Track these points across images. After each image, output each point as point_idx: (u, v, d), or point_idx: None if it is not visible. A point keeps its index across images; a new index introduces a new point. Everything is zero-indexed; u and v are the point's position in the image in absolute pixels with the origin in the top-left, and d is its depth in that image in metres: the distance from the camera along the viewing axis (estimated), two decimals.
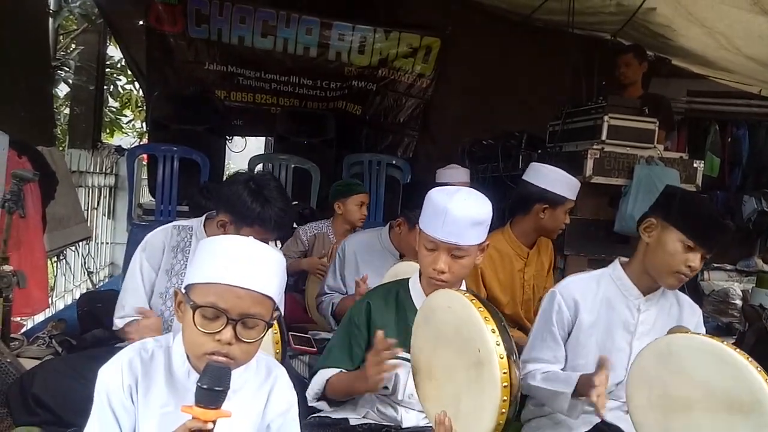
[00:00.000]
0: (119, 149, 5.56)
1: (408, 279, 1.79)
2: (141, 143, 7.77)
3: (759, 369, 1.35)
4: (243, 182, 1.95)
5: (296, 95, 5.37)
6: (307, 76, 5.30)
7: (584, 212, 3.16)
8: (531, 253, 2.72)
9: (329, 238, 3.36)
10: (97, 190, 4.91)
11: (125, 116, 8.51)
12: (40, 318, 3.50)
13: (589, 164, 3.11)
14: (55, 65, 5.42)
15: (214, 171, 4.52)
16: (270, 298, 1.18)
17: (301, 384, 1.66)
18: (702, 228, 1.69)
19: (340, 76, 5.34)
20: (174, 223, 2.14)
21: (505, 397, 1.29)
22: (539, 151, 3.64)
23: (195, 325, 1.14)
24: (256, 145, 7.49)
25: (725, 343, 1.41)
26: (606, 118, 3.17)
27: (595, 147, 3.14)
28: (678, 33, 4.20)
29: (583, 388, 1.64)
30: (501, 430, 1.33)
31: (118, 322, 2.01)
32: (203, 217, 2.12)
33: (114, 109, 8.05)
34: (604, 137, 3.17)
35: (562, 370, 1.82)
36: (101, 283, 4.81)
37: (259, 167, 4.82)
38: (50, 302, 3.72)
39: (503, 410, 1.30)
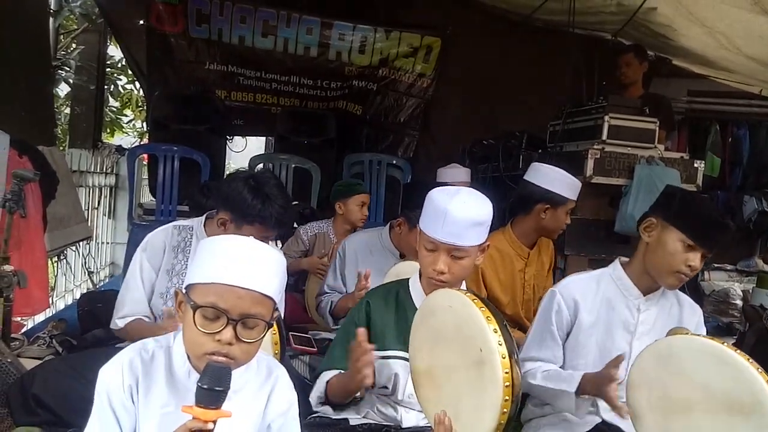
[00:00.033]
0: (120, 149, 5.57)
1: (408, 279, 1.79)
2: (141, 143, 7.77)
3: (759, 370, 1.35)
4: (243, 180, 1.95)
5: (297, 95, 5.37)
6: (307, 75, 5.30)
7: (585, 212, 3.15)
8: (531, 254, 2.72)
9: (330, 237, 3.36)
10: (97, 189, 4.91)
11: (126, 116, 8.51)
12: (40, 318, 3.51)
13: (590, 164, 3.11)
14: (56, 65, 5.43)
15: (215, 171, 4.52)
16: (270, 298, 1.18)
17: (301, 384, 1.66)
18: (702, 227, 1.69)
19: (341, 75, 5.34)
20: (174, 223, 2.14)
21: (507, 397, 1.29)
22: (540, 151, 3.64)
23: (195, 325, 1.14)
24: (256, 144, 7.49)
25: (725, 344, 1.41)
26: (606, 118, 3.17)
27: (595, 147, 3.14)
28: (678, 33, 4.20)
29: (588, 386, 1.64)
30: (503, 430, 1.33)
31: (119, 322, 2.01)
32: (203, 217, 2.12)
33: (114, 109, 8.06)
34: (604, 137, 3.17)
35: (561, 368, 1.82)
36: (102, 283, 4.81)
37: (260, 167, 4.82)
38: (51, 302, 3.72)
39: (505, 410, 1.30)
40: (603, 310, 1.82)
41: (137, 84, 6.92)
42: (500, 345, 1.32)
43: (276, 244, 3.44)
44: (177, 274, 2.04)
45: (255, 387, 1.28)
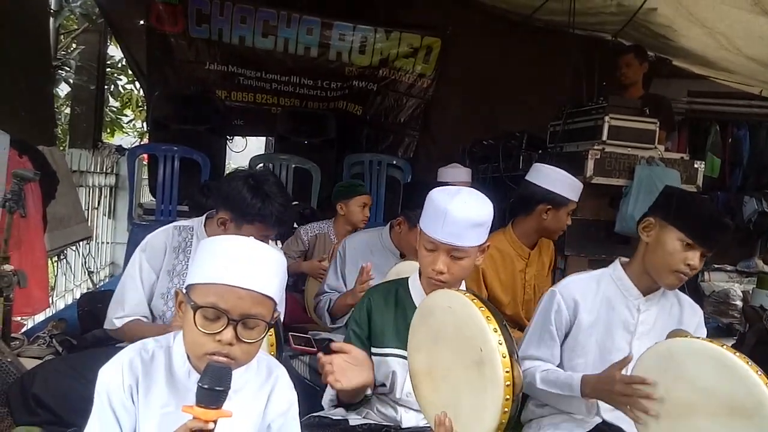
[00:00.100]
0: (120, 149, 5.57)
1: (408, 278, 1.79)
2: (141, 143, 7.77)
3: (759, 373, 1.35)
4: (242, 179, 1.94)
5: (297, 95, 5.37)
6: (307, 76, 5.30)
7: (585, 213, 3.15)
8: (532, 254, 2.72)
9: (330, 238, 3.36)
10: (97, 189, 4.91)
11: (126, 116, 8.51)
12: (40, 317, 3.51)
13: (590, 165, 3.11)
14: (56, 65, 5.43)
15: (215, 171, 4.52)
16: (271, 298, 1.18)
17: (301, 384, 1.66)
18: (700, 226, 1.69)
19: (341, 76, 5.34)
20: (174, 223, 2.14)
21: (508, 396, 1.29)
22: (540, 152, 3.64)
23: (196, 325, 1.14)
24: (256, 145, 7.49)
25: (725, 346, 1.41)
26: (607, 118, 3.16)
27: (595, 147, 3.14)
28: (679, 33, 4.20)
29: (587, 388, 1.64)
30: (504, 429, 1.33)
31: (117, 322, 2.00)
32: (203, 217, 2.12)
33: (115, 109, 8.06)
34: (604, 138, 3.16)
35: (558, 367, 1.83)
36: (101, 283, 4.81)
37: (260, 167, 4.82)
38: (51, 302, 3.72)
39: (506, 409, 1.30)
40: (603, 310, 1.82)
41: (137, 84, 6.92)
42: (500, 344, 1.32)
43: (276, 244, 3.43)
44: (178, 274, 2.03)
45: (255, 387, 1.28)
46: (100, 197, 4.98)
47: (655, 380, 1.49)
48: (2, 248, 2.21)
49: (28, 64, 3.43)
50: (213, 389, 1.05)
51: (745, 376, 1.34)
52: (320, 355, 1.61)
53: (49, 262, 3.62)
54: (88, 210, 4.59)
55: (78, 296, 3.90)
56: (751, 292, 4.51)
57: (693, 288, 3.87)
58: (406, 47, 5.29)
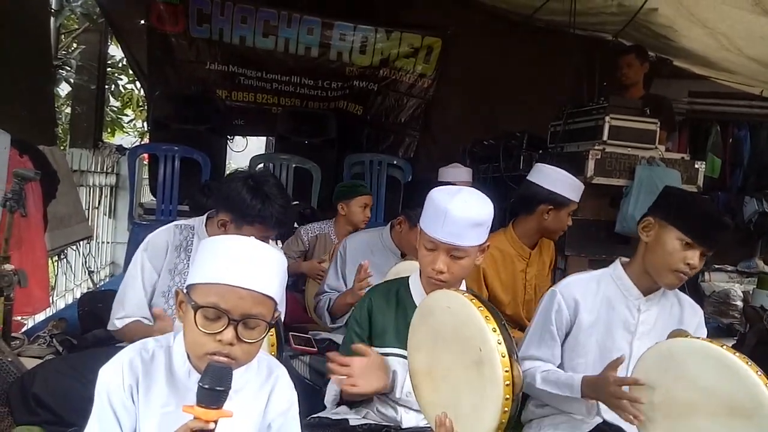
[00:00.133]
0: (120, 148, 5.56)
1: (408, 277, 1.79)
2: (142, 143, 7.78)
3: (759, 373, 1.35)
4: (242, 180, 1.94)
5: (297, 95, 5.37)
6: (308, 76, 5.30)
7: (585, 213, 3.15)
8: (533, 254, 2.71)
9: (331, 239, 3.36)
10: (98, 189, 4.91)
11: (126, 116, 8.51)
12: (40, 317, 3.50)
13: (591, 165, 3.11)
14: (57, 64, 5.43)
15: (215, 171, 4.52)
16: (271, 298, 1.18)
17: (301, 384, 1.66)
18: (699, 225, 1.69)
19: (342, 76, 5.34)
20: (175, 222, 2.14)
21: (508, 396, 1.29)
22: (540, 152, 3.64)
23: (196, 325, 1.14)
24: (257, 144, 7.47)
25: (725, 346, 1.41)
26: (607, 118, 3.16)
27: (596, 147, 3.14)
28: (680, 34, 4.20)
29: (588, 389, 1.64)
30: (504, 429, 1.32)
31: (118, 323, 2.00)
32: (204, 216, 2.12)
33: (115, 109, 8.06)
34: (605, 138, 3.16)
35: (558, 367, 1.82)
36: (102, 283, 4.81)
37: (260, 167, 4.82)
38: (51, 301, 3.72)
39: (506, 409, 1.30)
40: (603, 310, 1.82)
41: (138, 84, 6.92)
42: (499, 344, 1.32)
43: (276, 244, 3.43)
44: (179, 273, 2.04)
45: (255, 387, 1.28)
46: (100, 197, 4.98)
47: (655, 380, 1.49)
48: (3, 248, 2.21)
49: (29, 63, 3.44)
50: (214, 389, 1.05)
51: (745, 376, 1.34)
52: (332, 355, 1.60)
53: (50, 261, 3.62)
54: (88, 209, 4.58)
55: (78, 296, 3.91)
56: (751, 292, 4.52)
57: (693, 288, 3.87)
58: (407, 47, 5.29)
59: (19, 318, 2.79)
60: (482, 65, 5.11)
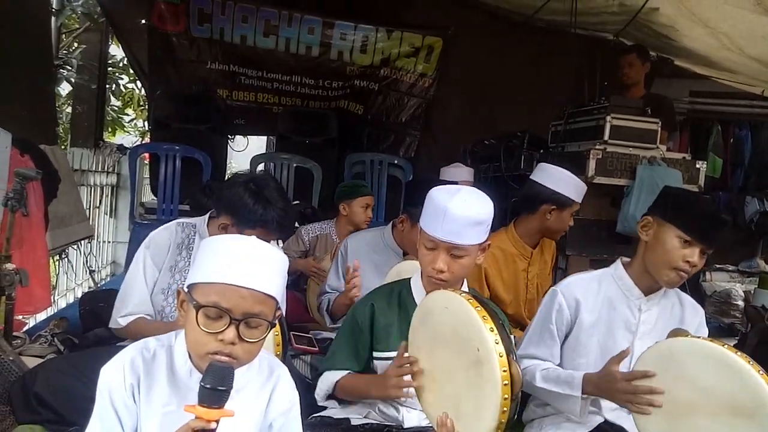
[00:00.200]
0: (121, 148, 5.57)
1: (410, 278, 1.79)
2: (143, 142, 7.78)
3: (761, 372, 1.35)
4: (243, 184, 1.94)
5: (298, 94, 5.37)
6: (309, 75, 5.30)
7: (586, 212, 3.15)
8: (534, 253, 2.71)
9: (332, 239, 3.35)
10: (99, 188, 4.91)
11: (127, 115, 8.52)
12: (42, 316, 3.51)
13: (592, 164, 3.11)
14: (58, 64, 5.43)
15: (216, 170, 4.53)
16: (273, 297, 1.18)
17: (302, 383, 1.66)
18: (698, 222, 1.69)
19: (342, 75, 5.34)
20: (177, 220, 2.14)
21: (506, 395, 1.29)
22: (541, 152, 3.64)
23: (198, 324, 1.14)
24: (257, 144, 7.47)
25: (725, 345, 1.41)
26: (608, 118, 3.16)
27: (597, 147, 3.14)
28: (681, 33, 4.20)
29: (590, 386, 1.64)
30: (503, 429, 1.32)
31: (122, 321, 2.00)
32: (207, 216, 2.12)
33: (116, 108, 8.07)
34: (606, 137, 3.16)
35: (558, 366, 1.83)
36: (103, 282, 4.81)
37: (261, 166, 4.82)
38: (52, 300, 3.73)
39: (505, 408, 1.30)
40: (604, 309, 1.82)
41: (139, 83, 6.93)
42: (497, 344, 1.31)
43: (277, 244, 3.43)
44: (180, 271, 2.04)
45: (257, 386, 1.28)
46: (101, 196, 4.98)
47: (655, 380, 1.49)
48: (4, 247, 2.22)
49: (30, 63, 3.44)
50: (215, 389, 1.05)
51: (746, 376, 1.34)
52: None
53: (51, 260, 3.62)
54: (89, 209, 4.59)
55: (79, 295, 3.91)
56: (752, 292, 4.52)
57: (694, 288, 3.87)
58: (408, 47, 5.29)
59: (20, 317, 2.79)
60: (483, 65, 5.11)
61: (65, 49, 6.18)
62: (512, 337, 1.47)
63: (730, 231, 1.65)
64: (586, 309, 1.81)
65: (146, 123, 7.66)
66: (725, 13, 3.51)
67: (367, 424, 1.69)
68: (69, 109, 6.33)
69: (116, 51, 6.73)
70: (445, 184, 1.70)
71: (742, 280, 5.37)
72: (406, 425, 1.69)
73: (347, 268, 2.32)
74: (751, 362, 1.36)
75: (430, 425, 1.54)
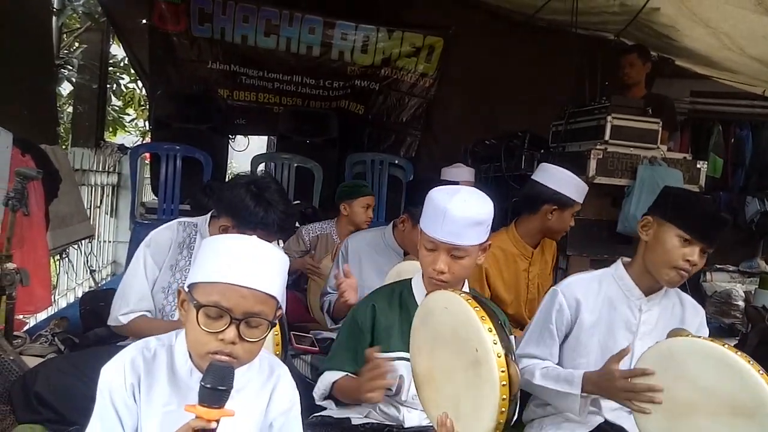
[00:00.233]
0: (122, 148, 5.57)
1: (411, 279, 1.79)
2: (144, 142, 7.78)
3: (761, 372, 1.34)
4: (244, 186, 1.93)
5: (299, 94, 5.37)
6: (310, 75, 5.30)
7: (587, 212, 3.14)
8: (535, 253, 2.71)
9: (333, 239, 3.35)
10: (99, 188, 4.92)
11: (128, 115, 8.52)
12: (42, 316, 3.51)
13: (592, 164, 3.11)
14: (59, 64, 5.43)
15: (217, 170, 4.53)
16: (273, 297, 1.18)
17: (303, 383, 1.66)
18: (698, 222, 1.69)
19: (343, 75, 5.33)
20: (178, 219, 2.14)
21: (505, 396, 1.29)
22: (542, 151, 3.63)
23: (198, 324, 1.14)
24: (258, 144, 7.47)
25: (726, 345, 1.41)
26: (609, 118, 3.16)
27: (598, 147, 3.14)
28: (682, 33, 4.19)
29: (589, 385, 1.64)
30: (502, 429, 1.32)
31: (123, 319, 2.00)
32: (208, 216, 2.12)
33: (117, 108, 8.06)
34: (607, 137, 3.16)
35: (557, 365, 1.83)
36: (104, 282, 4.82)
37: (262, 166, 4.83)
38: (53, 300, 3.73)
39: (503, 409, 1.30)
40: (605, 310, 1.82)
41: (140, 83, 6.93)
42: (495, 344, 1.31)
43: (278, 244, 3.43)
44: (180, 270, 2.04)
45: (257, 386, 1.28)
46: (102, 196, 4.98)
47: (655, 380, 1.49)
48: (5, 246, 2.22)
49: (31, 63, 3.44)
50: (216, 388, 1.05)
51: (746, 376, 1.34)
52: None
53: (52, 260, 3.62)
54: (90, 209, 4.59)
55: (80, 295, 3.91)
56: (753, 292, 4.52)
57: (695, 288, 3.87)
58: (408, 47, 5.29)
59: (21, 317, 2.79)
60: (484, 65, 5.11)
61: (66, 49, 6.18)
62: (512, 337, 1.47)
63: (731, 231, 1.64)
64: (587, 309, 1.82)
65: (147, 123, 7.65)
66: (726, 13, 3.51)
67: (367, 423, 1.69)
68: (70, 109, 6.34)
69: (117, 51, 6.73)
70: (446, 184, 1.70)
71: (743, 281, 5.36)
72: (407, 425, 1.69)
73: (335, 275, 2.33)
74: (751, 362, 1.36)
75: (430, 425, 1.54)
